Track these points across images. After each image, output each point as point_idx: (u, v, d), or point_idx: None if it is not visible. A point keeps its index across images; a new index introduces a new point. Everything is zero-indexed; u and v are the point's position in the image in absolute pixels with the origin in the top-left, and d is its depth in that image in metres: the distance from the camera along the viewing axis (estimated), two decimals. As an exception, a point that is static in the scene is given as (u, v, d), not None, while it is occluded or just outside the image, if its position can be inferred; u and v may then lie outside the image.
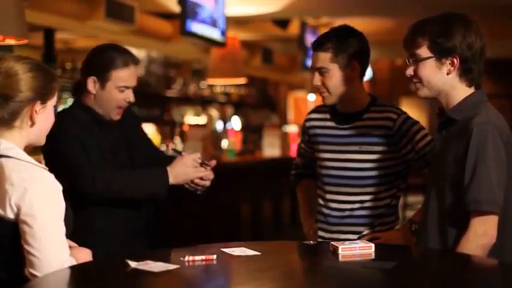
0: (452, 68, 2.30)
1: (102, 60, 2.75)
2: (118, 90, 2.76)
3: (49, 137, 2.18)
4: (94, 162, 2.69)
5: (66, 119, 2.73)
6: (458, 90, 2.32)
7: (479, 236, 2.18)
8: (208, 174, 2.87)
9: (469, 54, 2.28)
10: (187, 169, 2.80)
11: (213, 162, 2.89)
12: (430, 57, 2.31)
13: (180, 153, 2.88)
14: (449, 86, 2.32)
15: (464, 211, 2.19)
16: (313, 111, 2.94)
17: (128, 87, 2.78)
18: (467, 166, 2.19)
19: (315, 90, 2.80)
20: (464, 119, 2.27)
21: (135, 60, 2.80)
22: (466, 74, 2.30)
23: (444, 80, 2.32)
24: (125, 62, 2.76)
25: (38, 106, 2.06)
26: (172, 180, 2.76)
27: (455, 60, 2.29)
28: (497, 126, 2.23)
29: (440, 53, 2.30)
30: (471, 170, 2.19)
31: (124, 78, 2.75)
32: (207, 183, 2.88)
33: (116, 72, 2.74)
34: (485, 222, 2.18)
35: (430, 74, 2.33)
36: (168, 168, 2.77)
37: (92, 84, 2.76)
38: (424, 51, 2.32)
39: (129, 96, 2.78)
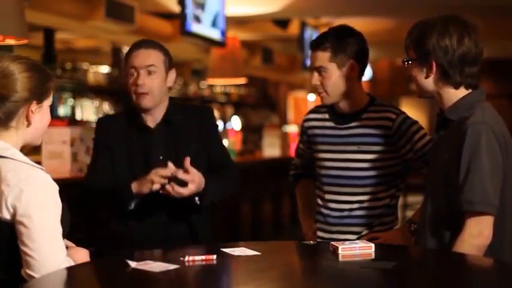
0: (430, 73, 2.30)
1: None
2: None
3: None
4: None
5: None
6: (448, 92, 2.31)
7: (474, 236, 2.17)
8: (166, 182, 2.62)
9: (445, 61, 2.25)
10: (150, 175, 2.64)
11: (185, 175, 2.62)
12: (413, 60, 2.33)
13: (165, 164, 2.65)
14: (437, 88, 2.32)
15: (459, 211, 2.19)
16: (312, 111, 2.94)
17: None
18: (462, 166, 2.18)
19: (314, 89, 2.80)
20: (459, 119, 2.26)
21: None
22: (445, 79, 2.29)
23: (428, 82, 2.32)
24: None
25: (34, 106, 2.06)
26: (135, 188, 2.66)
27: (432, 66, 2.28)
28: (493, 126, 2.21)
29: (420, 58, 2.31)
30: (465, 170, 2.18)
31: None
32: (184, 191, 2.62)
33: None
34: (480, 222, 2.17)
35: (416, 76, 2.34)
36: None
37: None
38: (411, 54, 2.34)
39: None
